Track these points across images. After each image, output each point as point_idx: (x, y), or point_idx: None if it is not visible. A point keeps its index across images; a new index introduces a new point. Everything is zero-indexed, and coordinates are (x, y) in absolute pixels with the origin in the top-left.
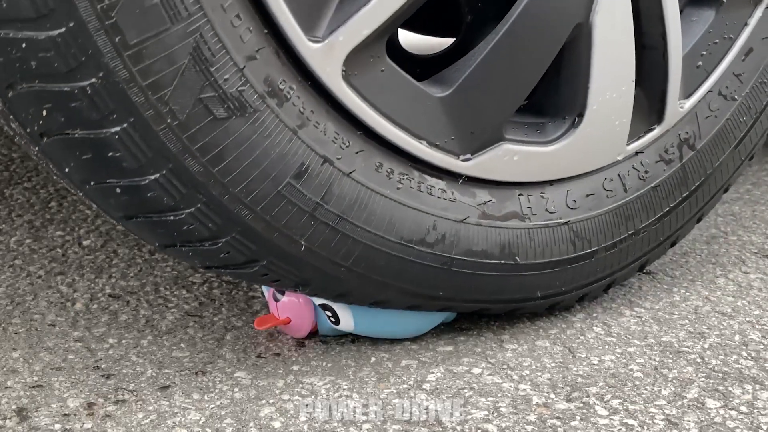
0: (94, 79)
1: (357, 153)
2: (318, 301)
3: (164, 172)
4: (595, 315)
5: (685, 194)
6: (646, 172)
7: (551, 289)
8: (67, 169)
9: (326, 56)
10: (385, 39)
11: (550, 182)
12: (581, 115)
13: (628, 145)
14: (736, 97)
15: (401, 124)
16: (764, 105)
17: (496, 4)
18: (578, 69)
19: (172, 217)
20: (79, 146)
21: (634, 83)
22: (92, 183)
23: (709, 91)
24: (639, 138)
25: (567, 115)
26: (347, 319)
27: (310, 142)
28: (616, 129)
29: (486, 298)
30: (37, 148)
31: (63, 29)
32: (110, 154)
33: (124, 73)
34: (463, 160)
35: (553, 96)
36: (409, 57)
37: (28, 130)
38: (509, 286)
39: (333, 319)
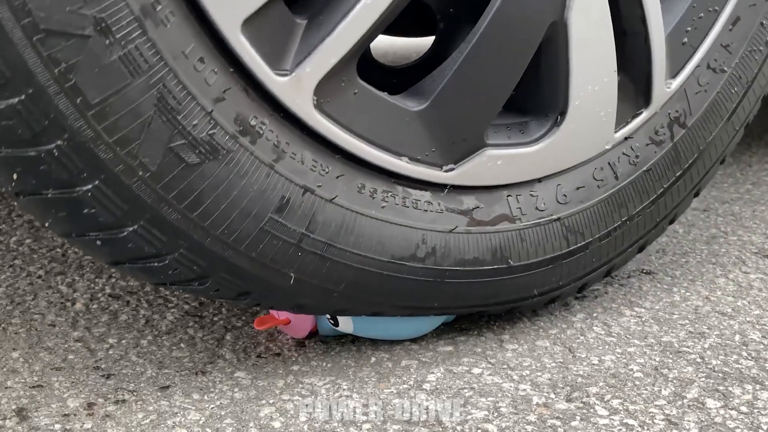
0: (59, 141)
1: (338, 177)
2: None
3: (142, 222)
4: (595, 315)
5: (678, 173)
6: (637, 156)
7: (548, 285)
8: (47, 224)
9: (295, 88)
10: (355, 62)
11: (539, 179)
12: (564, 112)
13: (615, 132)
14: (725, 68)
15: (380, 143)
16: (755, 73)
17: (467, 9)
18: (557, 67)
19: (156, 263)
20: (54, 205)
21: (616, 73)
22: (73, 235)
23: (697, 66)
24: (627, 123)
25: (549, 113)
26: (346, 321)
27: (289, 173)
28: (602, 120)
29: (482, 303)
30: (17, 203)
31: (22, 96)
32: (85, 211)
33: (89, 132)
34: (447, 171)
35: (534, 95)
36: (382, 69)
37: (3, 189)
38: (504, 289)
39: (332, 321)
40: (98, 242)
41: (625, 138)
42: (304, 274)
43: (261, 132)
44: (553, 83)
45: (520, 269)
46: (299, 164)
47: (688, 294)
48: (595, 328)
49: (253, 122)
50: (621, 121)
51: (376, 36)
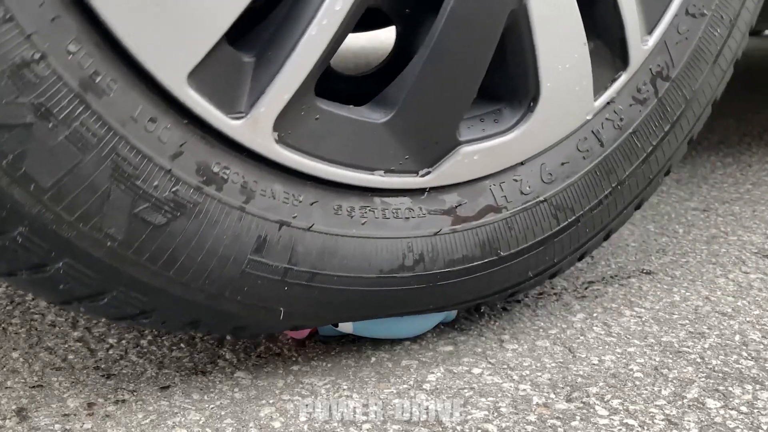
0: (21, 228)
1: (312, 204)
2: None
3: (120, 289)
4: (595, 315)
5: (668, 127)
6: (621, 119)
7: (543, 265)
8: (31, 294)
9: (253, 129)
10: (312, 87)
11: (521, 162)
12: (537, 96)
13: (595, 101)
14: (705, 11)
15: (350, 163)
16: (738, 10)
17: (423, 8)
18: (523, 53)
19: (144, 319)
20: (30, 283)
21: (586, 46)
22: (58, 303)
23: (675, 16)
24: (606, 89)
25: (522, 98)
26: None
27: (261, 212)
28: (578, 94)
29: (478, 296)
30: None
31: None
32: (61, 286)
33: (48, 215)
34: (423, 176)
35: (504, 83)
36: (345, 79)
37: None
38: (498, 279)
39: None
40: (82, 308)
41: (607, 103)
42: (294, 305)
43: (226, 177)
44: (521, 70)
45: (511, 257)
46: (270, 200)
47: (688, 294)
48: (595, 328)
49: (216, 169)
50: (600, 88)
51: (330, 59)
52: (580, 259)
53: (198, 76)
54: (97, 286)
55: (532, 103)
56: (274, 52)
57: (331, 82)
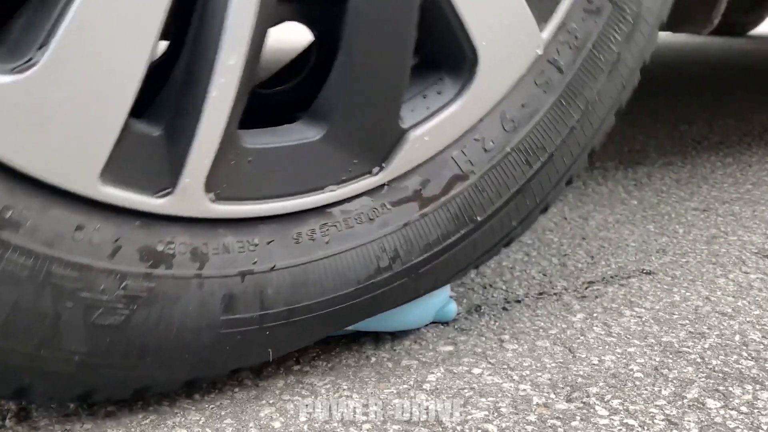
0: None
1: (269, 243)
2: None
3: (104, 386)
4: (595, 315)
5: (629, 29)
6: (577, 37)
7: (527, 209)
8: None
9: (184, 200)
10: (233, 136)
11: (480, 119)
12: (475, 60)
13: (542, 32)
14: None
15: (297, 191)
16: None
17: (332, 7)
18: (448, 23)
19: (144, 395)
20: (23, 401)
21: None
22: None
23: None
24: (552, 13)
25: (461, 63)
26: None
27: (220, 270)
28: (520, 37)
29: (470, 262)
30: None
31: None
32: (48, 400)
33: (7, 353)
34: (377, 173)
35: (439, 54)
36: (271, 96)
37: None
38: (484, 242)
39: None
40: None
41: (557, 28)
42: (280, 342)
43: (172, 252)
44: (452, 39)
45: (490, 217)
46: (225, 255)
47: (688, 294)
48: (595, 328)
49: (160, 248)
50: (544, 17)
51: (245, 101)
52: (567, 184)
53: (110, 170)
54: (81, 390)
55: (471, 66)
56: (182, 120)
57: (261, 100)
